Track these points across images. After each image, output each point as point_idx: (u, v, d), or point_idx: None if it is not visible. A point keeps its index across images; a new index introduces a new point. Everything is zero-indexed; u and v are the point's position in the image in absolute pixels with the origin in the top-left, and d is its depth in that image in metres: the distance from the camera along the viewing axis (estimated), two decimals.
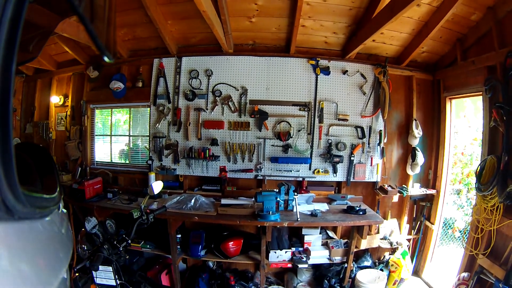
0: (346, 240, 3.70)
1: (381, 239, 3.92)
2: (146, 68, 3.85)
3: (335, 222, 3.32)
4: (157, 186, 2.52)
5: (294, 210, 3.27)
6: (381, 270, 3.69)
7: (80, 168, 4.10)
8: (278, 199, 3.24)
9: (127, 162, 4.26)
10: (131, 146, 4.22)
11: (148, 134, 3.84)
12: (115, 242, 2.09)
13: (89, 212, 4.21)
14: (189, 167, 3.68)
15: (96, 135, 4.21)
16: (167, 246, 3.35)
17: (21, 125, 4.64)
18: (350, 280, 3.57)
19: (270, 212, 3.15)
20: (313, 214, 3.32)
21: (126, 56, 3.92)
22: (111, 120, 4.17)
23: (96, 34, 0.75)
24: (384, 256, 4.05)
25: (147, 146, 3.90)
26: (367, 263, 3.92)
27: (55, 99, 4.35)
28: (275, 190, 3.30)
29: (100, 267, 1.97)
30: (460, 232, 4.71)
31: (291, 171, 3.63)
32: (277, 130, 3.61)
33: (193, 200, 3.33)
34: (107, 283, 2.07)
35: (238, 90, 3.60)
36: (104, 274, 2.06)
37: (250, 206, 3.35)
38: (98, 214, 3.49)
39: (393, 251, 3.96)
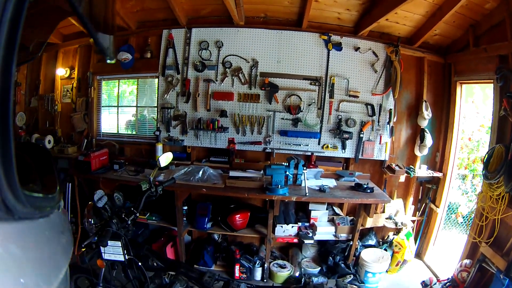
0: (352, 217, 3.54)
1: (386, 218, 3.75)
2: (154, 39, 3.66)
3: (343, 199, 3.16)
4: (166, 157, 2.32)
5: (303, 184, 3.12)
6: (385, 250, 3.51)
7: (86, 140, 3.93)
8: (287, 173, 3.08)
9: (134, 133, 4.08)
10: (138, 117, 4.03)
11: (156, 105, 3.68)
12: (123, 216, 1.95)
13: (94, 185, 4.05)
14: (197, 138, 3.51)
15: (103, 106, 4.02)
16: (173, 218, 3.19)
17: (26, 99, 4.42)
18: (354, 258, 3.44)
19: (279, 186, 3.00)
20: (321, 190, 3.16)
21: (134, 27, 3.74)
22: (118, 91, 3.96)
23: (100, 42, 0.77)
24: (388, 236, 3.89)
25: (155, 117, 3.73)
26: (372, 242, 3.76)
27: (61, 72, 4.16)
28: (284, 163, 3.12)
29: (109, 242, 1.85)
30: (463, 218, 4.51)
31: (300, 145, 3.45)
32: (287, 103, 3.42)
33: (201, 172, 3.15)
34: (115, 258, 1.94)
35: (248, 62, 3.41)
36: (112, 249, 1.93)
37: (259, 179, 3.18)
38: (104, 186, 3.32)
39: (397, 231, 3.80)
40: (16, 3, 0.57)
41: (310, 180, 3.30)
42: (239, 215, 3.19)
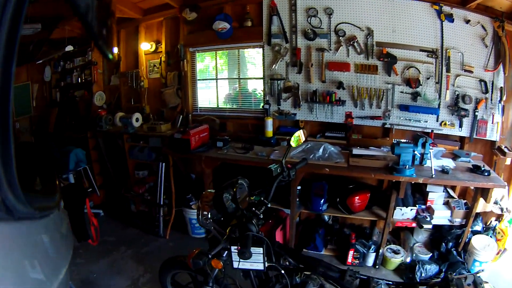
0: (465, 200, 3.09)
1: (493, 203, 3.30)
2: (253, 7, 3.27)
3: (466, 182, 2.73)
4: (299, 136, 1.83)
5: (428, 164, 2.70)
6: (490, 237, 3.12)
7: (181, 116, 3.52)
8: (415, 152, 2.64)
9: (235, 107, 3.70)
10: (240, 90, 3.65)
11: (261, 77, 3.28)
12: (253, 209, 1.46)
13: (192, 165, 3.70)
14: (311, 112, 3.13)
15: (198, 80, 3.59)
16: (283, 199, 2.79)
17: (105, 77, 4.14)
18: (463, 244, 3.02)
19: (406, 166, 2.60)
20: (445, 171, 2.75)
21: None
22: (216, 63, 3.58)
23: (103, 45, 0.76)
24: (491, 222, 3.43)
25: (261, 90, 3.37)
26: (478, 227, 3.33)
27: (146, 46, 3.82)
28: (403, 140, 2.71)
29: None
30: None
31: (420, 121, 3.03)
32: (406, 76, 3.00)
33: (321, 149, 2.77)
34: (250, 267, 1.42)
35: (363, 30, 2.99)
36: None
37: (383, 158, 2.75)
38: (206, 165, 2.89)
39: (499, 218, 3.35)
40: (16, 3, 0.56)
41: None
42: (358, 197, 2.82)
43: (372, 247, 2.94)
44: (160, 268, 1.98)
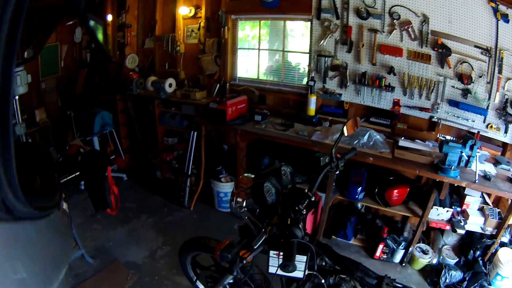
0: (499, 210, 2.91)
1: None
2: None
3: (506, 193, 2.47)
4: (355, 124, 1.60)
5: (473, 168, 2.48)
6: None
7: (217, 85, 3.32)
8: (463, 153, 2.45)
9: (276, 80, 3.50)
10: (283, 63, 3.45)
11: (307, 51, 3.09)
12: (299, 207, 1.24)
13: (226, 136, 3.53)
14: (358, 94, 2.93)
15: (239, 49, 3.40)
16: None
17: (138, 40, 3.93)
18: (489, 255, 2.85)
19: (452, 166, 2.42)
20: (487, 177, 2.57)
21: None
22: (259, 32, 3.37)
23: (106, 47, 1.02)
24: None
25: (306, 65, 3.15)
26: (505, 239, 3.13)
27: (184, 11, 3.62)
28: (446, 138, 2.61)
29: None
30: None
31: (467, 120, 2.83)
32: (459, 70, 2.81)
33: (366, 136, 2.60)
34: (288, 275, 1.21)
35: (418, 16, 2.79)
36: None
37: (429, 154, 2.57)
38: (241, 139, 2.70)
39: None
40: (16, 3, 0.55)
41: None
42: (397, 190, 2.65)
43: (403, 243, 2.79)
44: (181, 247, 1.83)
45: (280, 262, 1.10)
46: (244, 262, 1.24)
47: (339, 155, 1.51)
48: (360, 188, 2.66)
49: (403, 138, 2.72)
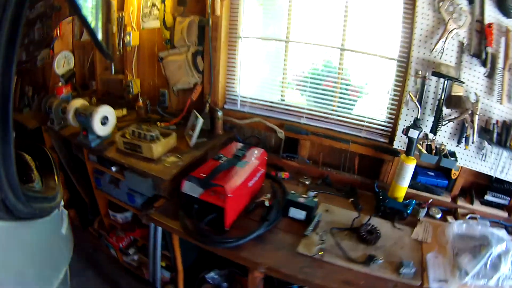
0: None
1: None
2: None
3: None
4: None
5: None
6: None
7: (199, 117, 2.10)
8: None
9: (322, 108, 1.87)
10: (338, 76, 1.81)
11: (399, 58, 1.68)
12: None
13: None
14: (483, 156, 1.62)
15: (244, 38, 2.04)
16: None
17: (75, 29, 2.56)
18: None
19: None
20: None
21: None
22: (289, 13, 1.87)
23: (104, 47, 0.93)
24: None
25: (390, 88, 1.80)
26: None
27: None
28: None
29: None
30: None
31: None
32: None
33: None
34: None
35: None
36: None
37: None
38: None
39: None
40: (16, 3, 0.55)
41: None
42: None
43: None
44: None
45: None
46: None
47: None
48: None
49: None
